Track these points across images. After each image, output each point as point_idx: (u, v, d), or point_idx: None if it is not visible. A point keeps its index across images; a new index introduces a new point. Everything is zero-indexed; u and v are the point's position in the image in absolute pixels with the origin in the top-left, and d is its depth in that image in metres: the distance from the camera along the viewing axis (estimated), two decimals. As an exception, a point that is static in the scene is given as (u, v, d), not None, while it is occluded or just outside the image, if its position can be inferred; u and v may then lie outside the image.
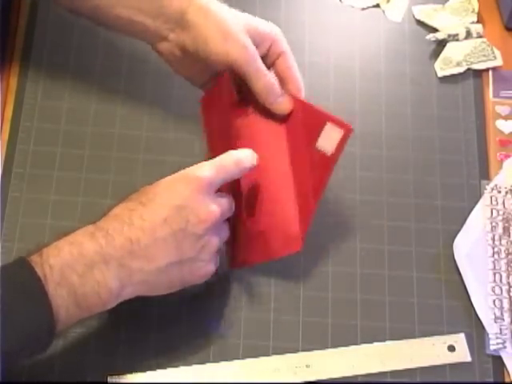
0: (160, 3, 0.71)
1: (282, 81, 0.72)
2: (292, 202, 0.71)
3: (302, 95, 0.72)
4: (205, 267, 0.67)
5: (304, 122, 0.71)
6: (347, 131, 0.68)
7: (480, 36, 0.88)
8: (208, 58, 0.70)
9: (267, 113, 0.72)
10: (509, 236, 0.77)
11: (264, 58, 0.72)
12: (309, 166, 0.70)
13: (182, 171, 0.66)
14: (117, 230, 0.63)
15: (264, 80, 0.70)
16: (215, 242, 0.66)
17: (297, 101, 0.71)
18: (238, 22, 0.70)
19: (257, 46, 0.70)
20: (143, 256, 0.63)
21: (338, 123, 0.68)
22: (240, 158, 0.67)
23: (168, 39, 0.72)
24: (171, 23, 0.71)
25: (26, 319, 0.59)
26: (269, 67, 0.72)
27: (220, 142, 0.72)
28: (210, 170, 0.65)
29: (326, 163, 0.69)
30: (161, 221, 0.63)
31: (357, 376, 0.71)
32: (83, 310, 0.62)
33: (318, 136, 0.69)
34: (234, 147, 0.69)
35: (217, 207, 0.65)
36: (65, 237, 0.63)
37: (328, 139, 0.69)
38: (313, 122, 0.70)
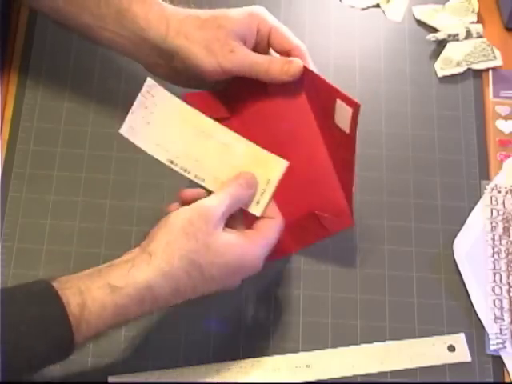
0: (140, 28, 0.70)
1: (284, 55, 0.71)
2: (333, 178, 0.71)
3: (308, 58, 0.71)
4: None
5: (320, 97, 0.70)
6: (355, 108, 0.66)
7: (480, 36, 0.88)
8: (203, 74, 0.70)
9: (286, 93, 0.71)
10: (509, 236, 0.77)
11: (258, 41, 0.71)
12: (335, 141, 0.70)
13: (242, 258, 0.64)
14: (166, 299, 0.62)
15: (263, 66, 0.69)
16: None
17: (310, 74, 0.70)
18: (218, 27, 0.69)
19: (246, 33, 0.70)
20: (166, 305, 0.64)
21: (346, 99, 0.66)
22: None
23: (159, 64, 0.72)
24: (156, 50, 0.71)
25: (42, 350, 0.58)
26: (267, 48, 0.72)
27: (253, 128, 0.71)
28: (262, 259, 0.66)
29: (348, 140, 0.67)
30: (205, 291, 0.64)
31: (357, 376, 0.71)
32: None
33: (334, 112, 0.68)
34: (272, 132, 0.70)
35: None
36: (113, 291, 0.60)
37: (341, 116, 0.68)
38: (327, 97, 0.68)
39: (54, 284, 0.59)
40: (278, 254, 0.70)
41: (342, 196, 0.71)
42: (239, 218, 0.67)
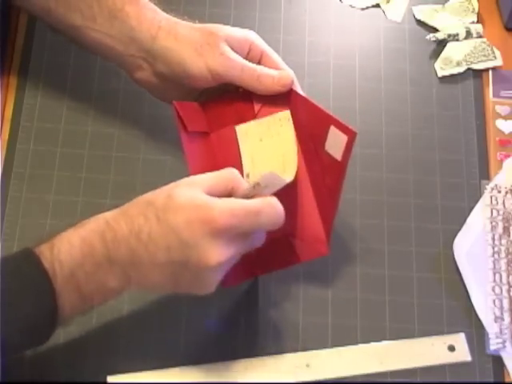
0: (130, 27, 0.70)
1: None
2: (312, 205, 0.71)
3: (297, 85, 0.71)
4: (203, 289, 0.64)
5: (309, 122, 0.69)
6: (351, 136, 0.65)
7: (480, 36, 0.88)
8: (190, 79, 0.69)
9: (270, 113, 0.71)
10: (509, 236, 0.77)
11: (248, 60, 0.71)
12: (321, 168, 0.69)
13: (205, 202, 0.60)
14: (124, 238, 0.61)
15: (256, 72, 0.69)
16: (216, 277, 0.62)
17: (299, 98, 0.70)
18: (210, 34, 0.70)
19: (237, 48, 0.70)
20: (141, 272, 0.62)
21: (342, 128, 0.65)
22: (261, 211, 0.61)
23: (143, 68, 0.72)
24: (143, 52, 0.71)
25: (29, 310, 0.59)
26: None
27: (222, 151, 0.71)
28: (231, 217, 0.59)
29: (337, 168, 0.67)
30: (164, 247, 0.60)
31: (356, 376, 0.71)
32: (86, 305, 0.63)
33: (325, 139, 0.67)
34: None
35: (227, 251, 0.60)
36: (77, 228, 0.62)
37: (334, 143, 0.67)
38: (318, 123, 0.68)
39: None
40: (240, 276, 0.69)
41: (320, 223, 0.70)
42: None
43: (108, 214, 0.63)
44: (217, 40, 0.69)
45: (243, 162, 0.71)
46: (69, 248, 0.61)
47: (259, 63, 0.71)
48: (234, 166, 0.65)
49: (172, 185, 0.62)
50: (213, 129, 0.72)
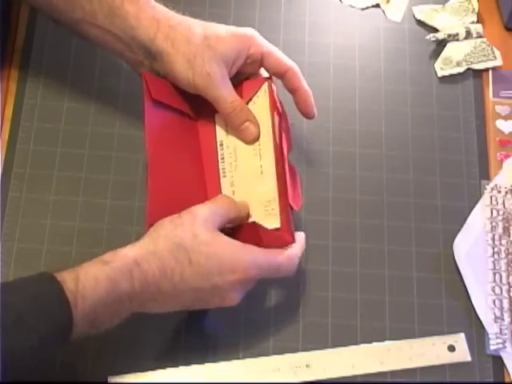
0: (130, 26, 0.71)
1: (278, 76, 0.73)
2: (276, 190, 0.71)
3: (302, 78, 0.73)
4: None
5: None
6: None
7: (480, 36, 0.88)
8: (178, 84, 0.71)
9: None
10: (509, 236, 0.77)
11: (248, 63, 0.72)
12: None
13: (234, 252, 0.65)
14: (155, 280, 0.63)
15: (227, 106, 0.71)
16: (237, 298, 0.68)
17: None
18: (208, 46, 0.70)
19: (234, 56, 0.71)
20: (160, 304, 0.65)
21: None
22: (281, 265, 0.68)
23: (144, 64, 0.73)
24: (143, 49, 0.71)
25: (44, 334, 0.58)
26: (258, 68, 0.73)
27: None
28: (257, 270, 0.66)
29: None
30: (193, 288, 0.64)
31: (356, 376, 0.71)
32: (94, 329, 0.63)
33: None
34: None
35: (247, 290, 0.68)
36: (104, 265, 0.62)
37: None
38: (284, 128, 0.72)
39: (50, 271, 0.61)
40: None
41: (283, 211, 0.70)
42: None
43: (136, 253, 0.63)
44: (211, 56, 0.70)
45: (216, 130, 0.74)
46: (94, 285, 0.61)
47: (262, 62, 0.72)
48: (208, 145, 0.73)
49: (190, 218, 0.65)
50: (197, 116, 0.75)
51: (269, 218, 0.70)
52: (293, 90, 0.73)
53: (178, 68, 0.70)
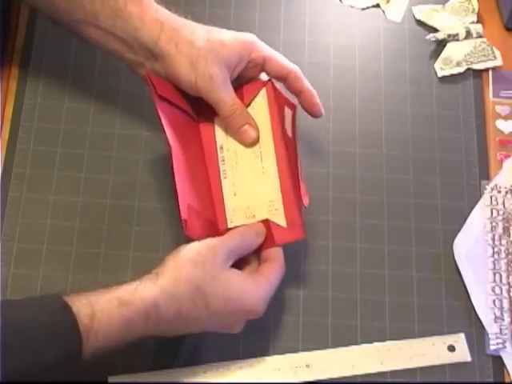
0: (133, 27, 0.71)
1: (281, 80, 0.74)
2: (288, 188, 0.71)
3: (304, 80, 0.73)
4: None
5: (279, 109, 0.73)
6: (294, 110, 0.70)
7: (480, 36, 0.88)
8: (181, 86, 0.71)
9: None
10: (509, 236, 0.77)
11: (250, 67, 0.73)
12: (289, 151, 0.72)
13: (250, 295, 0.67)
14: (169, 321, 0.64)
15: (226, 109, 0.71)
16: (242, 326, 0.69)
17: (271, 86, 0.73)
18: (211, 50, 0.70)
19: (236, 61, 0.71)
20: (171, 334, 0.67)
21: (288, 104, 0.71)
22: None
23: (144, 65, 0.72)
24: (145, 51, 0.71)
25: (51, 359, 0.58)
26: (259, 72, 0.74)
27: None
28: (266, 305, 0.68)
29: (292, 145, 0.71)
30: (205, 325, 0.66)
31: (357, 376, 0.71)
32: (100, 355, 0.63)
33: (284, 121, 0.71)
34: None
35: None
36: (121, 305, 0.62)
37: (287, 123, 0.72)
38: (281, 106, 0.72)
39: (64, 297, 0.61)
40: None
41: (296, 206, 0.70)
42: (253, 264, 0.70)
43: (156, 295, 0.63)
44: (214, 59, 0.70)
45: (216, 133, 0.74)
46: (108, 325, 0.61)
47: (263, 67, 0.73)
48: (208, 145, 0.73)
49: (211, 257, 0.65)
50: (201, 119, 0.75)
51: (273, 218, 0.70)
52: (297, 92, 0.74)
53: (181, 70, 0.70)
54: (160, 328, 0.64)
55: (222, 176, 0.73)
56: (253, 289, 0.67)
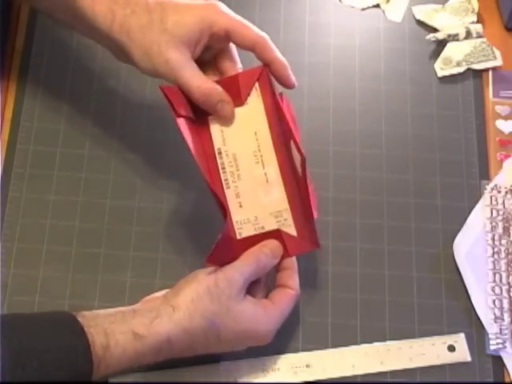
0: (87, 17, 0.68)
1: (249, 50, 0.69)
2: (299, 198, 0.69)
3: (274, 48, 0.69)
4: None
5: (280, 123, 0.70)
6: (303, 159, 0.65)
7: (480, 36, 0.88)
8: (143, 72, 0.69)
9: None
10: (509, 236, 0.77)
11: (215, 39, 0.68)
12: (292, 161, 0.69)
13: (264, 327, 0.67)
14: (179, 353, 0.65)
15: (194, 91, 0.67)
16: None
17: (268, 90, 0.70)
18: (164, 30, 0.66)
19: (196, 37, 0.67)
20: (178, 357, 0.67)
21: (297, 147, 0.66)
22: None
23: (116, 53, 0.71)
24: (107, 40, 0.69)
25: (62, 379, 0.59)
26: (225, 43, 0.70)
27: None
28: (274, 332, 0.68)
29: (301, 180, 0.68)
30: (212, 350, 0.67)
31: (357, 376, 0.71)
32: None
33: (291, 147, 0.68)
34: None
35: None
36: (136, 340, 0.62)
37: (295, 156, 0.68)
38: (284, 128, 0.69)
39: (79, 319, 0.61)
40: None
41: (308, 216, 0.68)
42: (262, 285, 0.69)
43: (171, 329, 0.63)
44: (168, 40, 0.66)
45: (213, 137, 0.70)
46: (121, 356, 0.62)
47: (229, 38, 0.69)
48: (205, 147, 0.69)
49: (227, 289, 0.65)
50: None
51: (283, 228, 0.69)
52: (267, 63, 0.69)
53: (137, 59, 0.67)
54: (169, 357, 0.65)
55: (224, 186, 0.69)
56: (264, 322, 0.67)
